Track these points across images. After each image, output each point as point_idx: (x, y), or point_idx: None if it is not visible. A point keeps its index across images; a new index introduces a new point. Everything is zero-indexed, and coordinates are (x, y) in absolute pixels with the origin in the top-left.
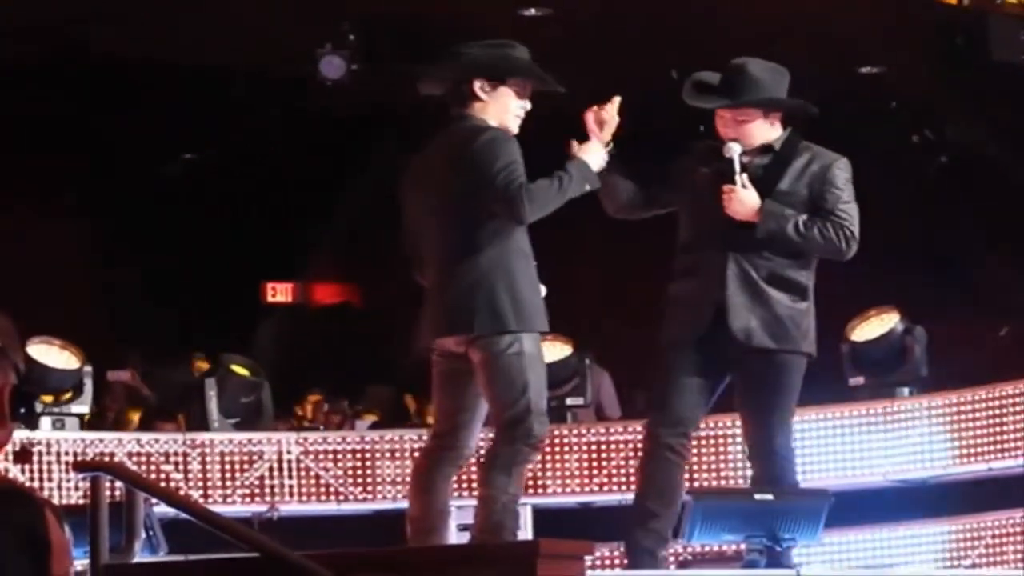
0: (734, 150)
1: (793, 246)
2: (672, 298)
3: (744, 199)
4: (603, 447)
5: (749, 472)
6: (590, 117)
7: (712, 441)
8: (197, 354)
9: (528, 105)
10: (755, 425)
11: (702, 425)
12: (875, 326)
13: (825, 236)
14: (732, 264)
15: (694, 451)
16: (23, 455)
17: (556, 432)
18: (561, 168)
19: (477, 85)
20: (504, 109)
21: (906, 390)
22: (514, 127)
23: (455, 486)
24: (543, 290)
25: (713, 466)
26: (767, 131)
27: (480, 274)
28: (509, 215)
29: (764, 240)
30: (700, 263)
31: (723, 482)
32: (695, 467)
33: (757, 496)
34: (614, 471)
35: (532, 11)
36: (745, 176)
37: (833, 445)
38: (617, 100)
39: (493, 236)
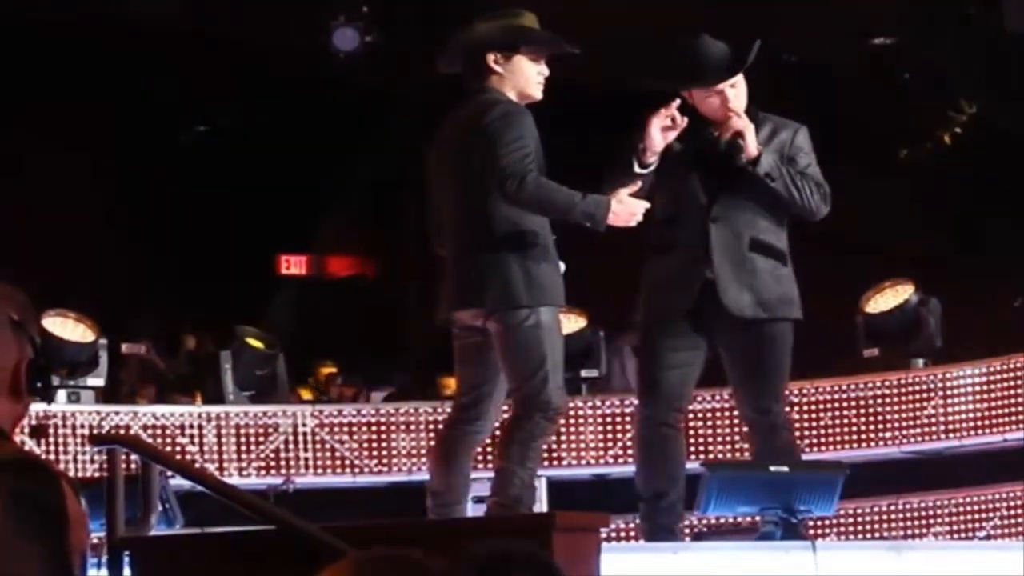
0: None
1: (781, 194)
2: (653, 275)
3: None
4: (618, 419)
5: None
6: (654, 124)
7: (726, 414)
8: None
9: (546, 70)
10: (753, 397)
11: (717, 398)
12: (889, 298)
13: (808, 187)
14: (716, 236)
15: (709, 423)
16: (39, 430)
17: (571, 404)
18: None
19: (491, 59)
20: (523, 78)
21: (920, 361)
22: (537, 93)
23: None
24: (562, 266)
25: (728, 438)
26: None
27: (494, 248)
28: (502, 188)
29: (744, 209)
30: (681, 238)
31: (738, 454)
32: (710, 439)
33: (772, 468)
34: (629, 443)
35: None
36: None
37: (848, 416)
38: (677, 102)
39: (509, 210)
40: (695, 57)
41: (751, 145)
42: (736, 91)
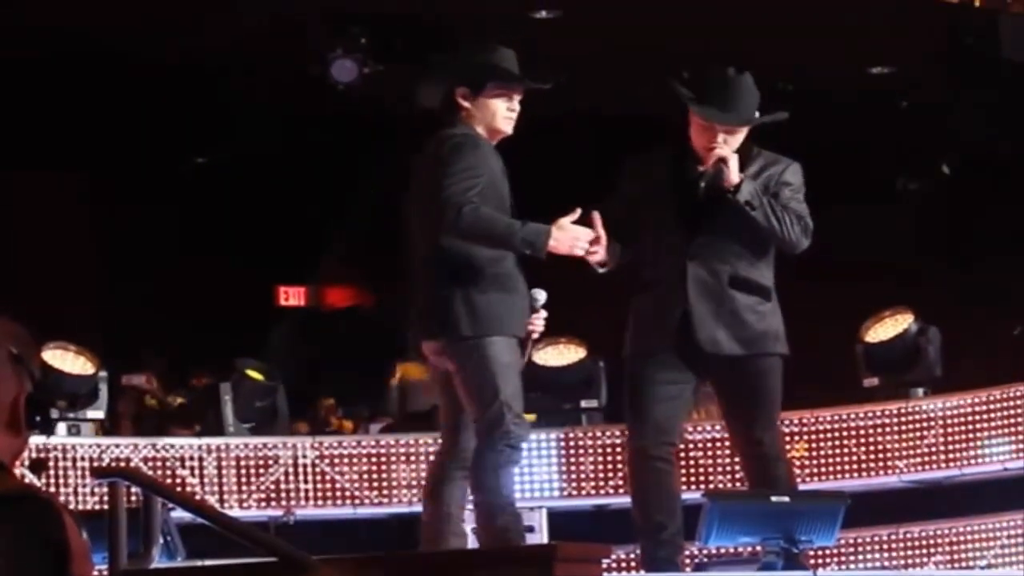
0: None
1: (761, 224)
2: (636, 310)
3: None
4: (618, 449)
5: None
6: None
7: (727, 444)
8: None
9: (517, 106)
10: (741, 432)
11: (717, 428)
12: (889, 327)
13: (789, 220)
14: (692, 273)
15: (710, 453)
16: (40, 464)
17: (571, 435)
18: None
19: (459, 94)
20: (490, 115)
21: (920, 391)
22: (506, 128)
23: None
24: (540, 295)
25: (729, 468)
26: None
27: (443, 280)
28: (440, 220)
29: (724, 245)
30: (661, 274)
31: (739, 484)
32: (711, 469)
33: (773, 498)
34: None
35: (543, 13)
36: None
37: (848, 446)
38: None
39: (456, 241)
40: (722, 91)
41: (732, 172)
42: (731, 137)
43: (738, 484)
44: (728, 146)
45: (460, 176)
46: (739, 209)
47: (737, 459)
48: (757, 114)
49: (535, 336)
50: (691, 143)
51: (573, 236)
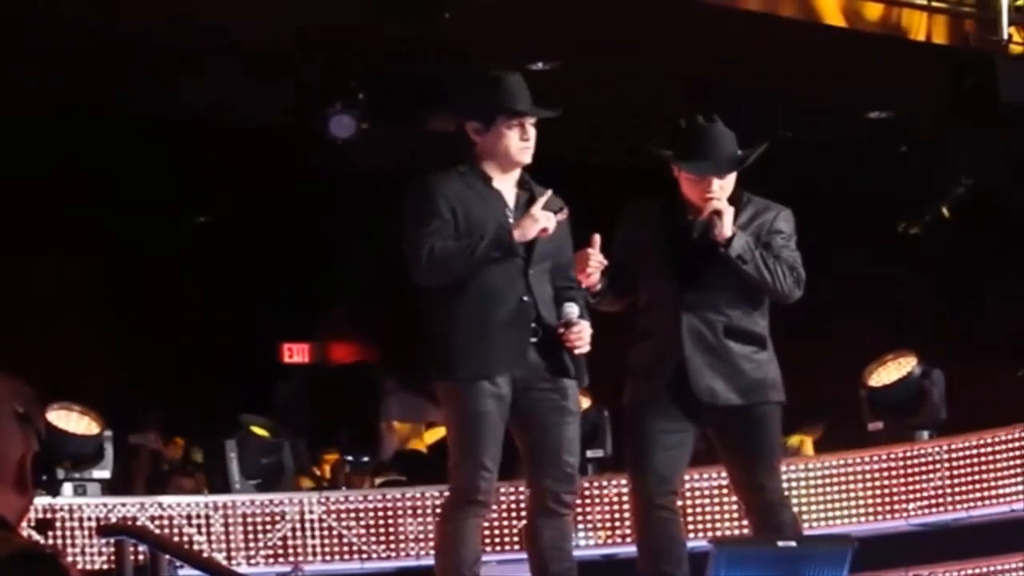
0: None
1: (753, 277)
2: (632, 361)
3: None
4: (624, 498)
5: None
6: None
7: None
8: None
9: (531, 134)
10: (742, 481)
11: (723, 475)
12: (892, 371)
13: (782, 272)
14: (687, 323)
15: (715, 500)
16: (46, 524)
17: (585, 485)
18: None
19: (471, 129)
20: (503, 148)
21: (925, 434)
22: (523, 159)
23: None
24: (571, 309)
25: (735, 515)
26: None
27: (426, 323)
28: (411, 274)
29: (718, 295)
30: (656, 325)
31: (745, 531)
32: (717, 516)
33: (780, 543)
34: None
35: (540, 65)
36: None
37: (854, 490)
38: (597, 238)
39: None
40: (701, 141)
41: (726, 226)
42: (723, 182)
43: (744, 531)
44: (723, 192)
45: (411, 225)
46: (731, 261)
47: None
48: (740, 152)
49: (580, 351)
50: (683, 194)
51: (532, 217)
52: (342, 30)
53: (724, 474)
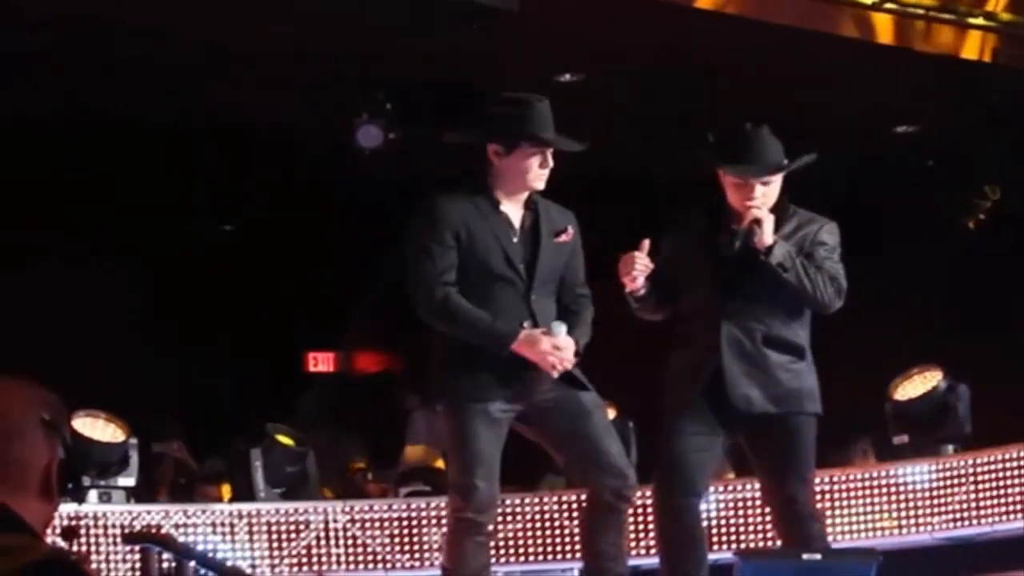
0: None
1: (793, 285)
2: (671, 368)
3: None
4: (649, 510)
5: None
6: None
7: (758, 503)
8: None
9: (550, 162)
10: (774, 490)
11: (748, 487)
12: (918, 384)
13: (823, 281)
14: (726, 332)
15: (740, 511)
16: (71, 531)
17: None
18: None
19: (491, 150)
20: (520, 172)
21: (950, 447)
22: (538, 185)
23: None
24: (557, 328)
25: (760, 527)
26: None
27: (431, 343)
28: (411, 302)
29: (758, 304)
30: (696, 333)
31: (770, 543)
32: (741, 528)
33: (805, 556)
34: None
35: (567, 76)
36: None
37: (879, 504)
38: (647, 242)
39: None
40: (746, 146)
41: (767, 234)
42: (767, 188)
43: (769, 543)
44: (766, 199)
45: (419, 250)
46: (772, 269)
47: (769, 517)
48: (786, 161)
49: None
50: (726, 201)
51: (542, 350)
52: (370, 40)
53: (749, 486)
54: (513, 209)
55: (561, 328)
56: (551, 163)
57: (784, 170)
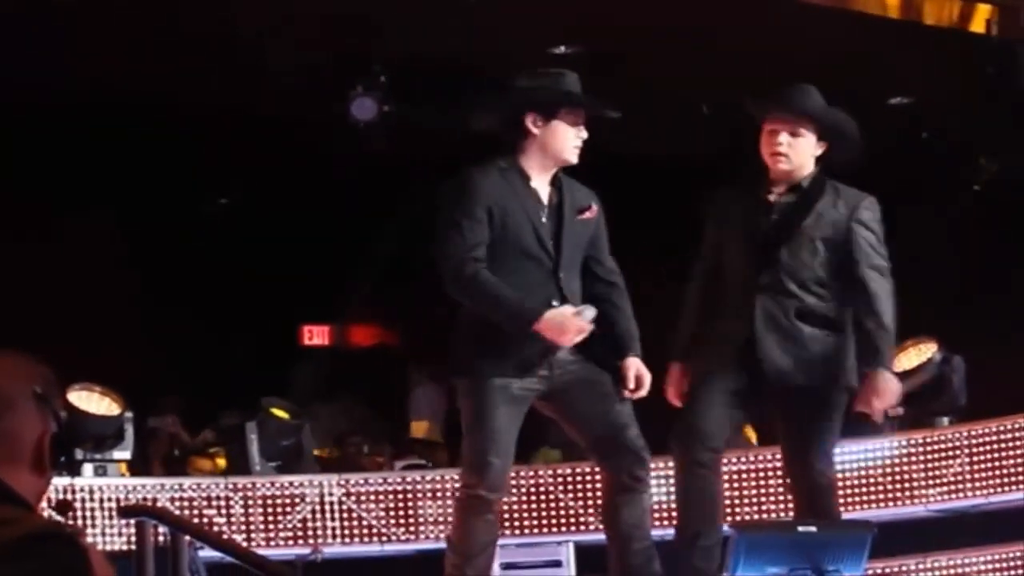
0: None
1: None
2: (704, 336)
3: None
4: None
5: (791, 504)
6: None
7: (754, 474)
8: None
9: (585, 134)
10: (794, 459)
11: (745, 458)
12: (913, 356)
13: (887, 317)
14: (760, 304)
15: (736, 484)
16: (65, 504)
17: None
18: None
19: (529, 120)
20: (559, 142)
21: (945, 419)
22: (573, 158)
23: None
24: (588, 312)
25: (755, 499)
26: (810, 157)
27: (453, 318)
28: (442, 276)
29: (792, 278)
30: (730, 303)
31: (765, 515)
32: (736, 501)
33: (800, 528)
34: (655, 506)
35: (562, 49)
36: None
37: (874, 476)
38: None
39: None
40: (782, 94)
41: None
42: (794, 140)
43: (764, 515)
44: (792, 151)
45: (450, 225)
46: (814, 246)
47: (766, 489)
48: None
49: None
50: (760, 175)
51: (562, 322)
52: (364, 12)
53: (743, 459)
54: (542, 185)
55: (591, 312)
56: (586, 134)
57: (808, 115)
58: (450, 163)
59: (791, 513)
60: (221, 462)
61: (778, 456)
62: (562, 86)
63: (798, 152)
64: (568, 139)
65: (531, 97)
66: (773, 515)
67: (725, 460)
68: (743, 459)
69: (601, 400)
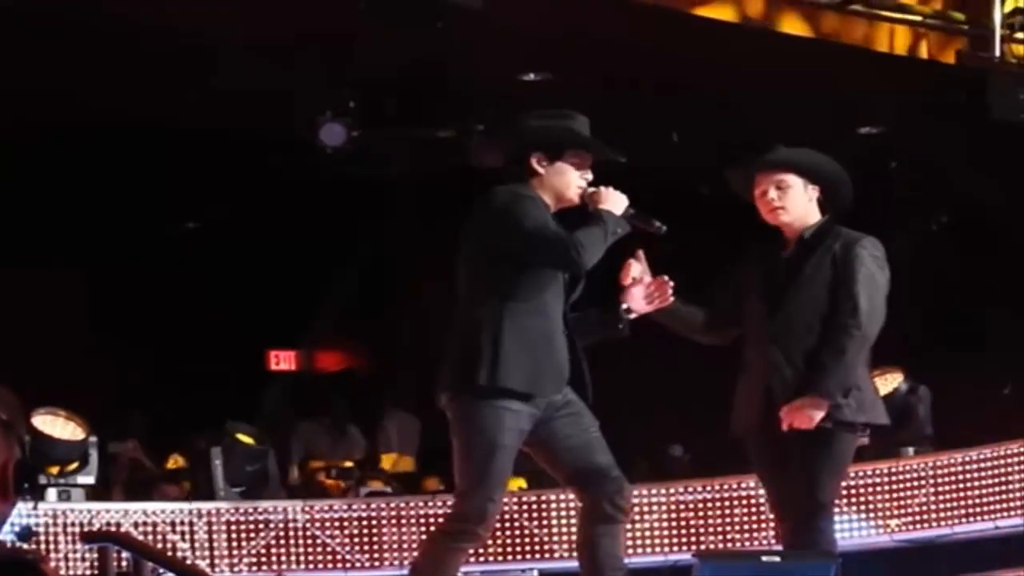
0: None
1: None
2: (736, 393)
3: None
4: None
5: (756, 534)
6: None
7: (718, 504)
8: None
9: (590, 176)
10: (798, 493)
11: (707, 488)
12: (879, 386)
13: (848, 348)
14: (772, 355)
15: (700, 515)
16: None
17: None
18: (588, 220)
19: (534, 159)
20: (563, 183)
21: (911, 449)
22: (576, 199)
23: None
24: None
25: (719, 529)
26: (807, 203)
27: (466, 332)
28: (565, 267)
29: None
30: (750, 358)
31: (730, 544)
32: (701, 530)
33: (764, 558)
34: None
35: (532, 76)
36: None
37: (839, 506)
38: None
39: (491, 294)
40: (760, 152)
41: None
42: (783, 192)
43: (729, 544)
44: (785, 200)
45: (545, 226)
46: (813, 291)
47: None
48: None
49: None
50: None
51: (618, 199)
52: (334, 38)
53: (709, 487)
54: None
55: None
56: (591, 176)
57: (774, 164)
58: (416, 189)
59: (756, 543)
60: (188, 487)
61: (743, 485)
62: (570, 128)
63: (791, 201)
64: (572, 179)
65: (538, 136)
66: (738, 544)
67: (690, 489)
68: (708, 488)
69: (584, 431)
